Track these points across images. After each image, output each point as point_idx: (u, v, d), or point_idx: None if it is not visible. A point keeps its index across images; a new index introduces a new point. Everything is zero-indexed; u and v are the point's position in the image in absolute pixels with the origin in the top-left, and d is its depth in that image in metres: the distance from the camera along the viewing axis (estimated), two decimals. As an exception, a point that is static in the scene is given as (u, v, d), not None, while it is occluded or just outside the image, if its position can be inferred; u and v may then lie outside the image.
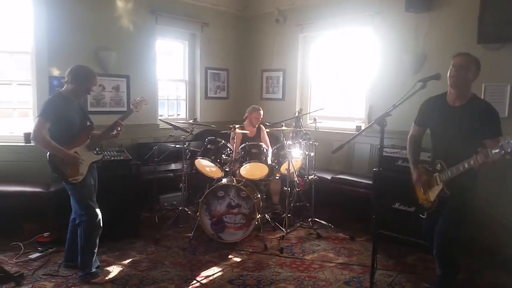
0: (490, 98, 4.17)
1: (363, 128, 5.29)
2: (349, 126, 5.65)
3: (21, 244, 3.92)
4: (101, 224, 3.32)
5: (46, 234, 4.06)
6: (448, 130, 2.74)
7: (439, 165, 2.76)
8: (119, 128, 3.39)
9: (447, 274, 2.85)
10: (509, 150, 2.18)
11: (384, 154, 4.08)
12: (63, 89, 3.26)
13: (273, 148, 4.77)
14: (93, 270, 3.33)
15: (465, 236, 3.27)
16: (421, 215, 3.04)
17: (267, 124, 5.30)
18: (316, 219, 4.66)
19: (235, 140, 4.42)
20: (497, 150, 2.25)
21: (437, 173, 2.78)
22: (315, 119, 4.96)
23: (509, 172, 3.89)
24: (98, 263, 3.47)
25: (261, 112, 5.11)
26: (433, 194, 2.85)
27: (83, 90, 3.27)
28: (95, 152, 3.35)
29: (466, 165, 2.48)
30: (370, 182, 4.58)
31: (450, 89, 2.76)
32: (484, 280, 3.41)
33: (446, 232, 2.76)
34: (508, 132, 2.31)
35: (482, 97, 4.20)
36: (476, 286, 3.30)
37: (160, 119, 5.65)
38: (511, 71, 4.10)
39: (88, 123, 3.37)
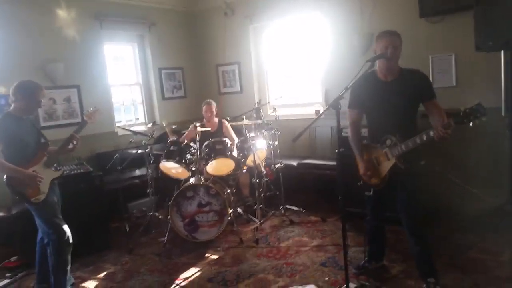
0: (437, 68, 4.38)
1: (322, 111, 5.38)
2: (309, 111, 5.74)
3: (-14, 273, 3.75)
4: (71, 240, 3.22)
5: (13, 258, 3.90)
6: (388, 105, 2.75)
7: (389, 140, 2.73)
8: (75, 142, 3.29)
9: (425, 246, 2.84)
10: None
11: (344, 135, 4.16)
12: (11, 108, 3.12)
13: (237, 142, 4.77)
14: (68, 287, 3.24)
15: (429, 203, 3.45)
16: (367, 193, 2.99)
17: (228, 118, 5.29)
18: (287, 206, 4.74)
19: (198, 136, 4.37)
20: (452, 123, 2.37)
21: (387, 148, 2.76)
22: (274, 109, 4.99)
23: (468, 138, 4.11)
24: (73, 281, 3.39)
25: (212, 105, 5.07)
26: (383, 170, 2.83)
27: (34, 105, 3.16)
28: (53, 169, 3.24)
29: (425, 137, 2.51)
30: (334, 163, 4.68)
31: (382, 66, 2.77)
32: (452, 243, 3.57)
33: (415, 206, 2.80)
34: (456, 101, 2.43)
35: (430, 68, 4.40)
36: (445, 249, 3.45)
37: (118, 126, 5.51)
38: (454, 41, 4.29)
39: (43, 140, 3.25)
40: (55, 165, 3.26)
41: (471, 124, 2.31)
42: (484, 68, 4.08)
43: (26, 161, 3.06)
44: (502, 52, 3.70)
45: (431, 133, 2.49)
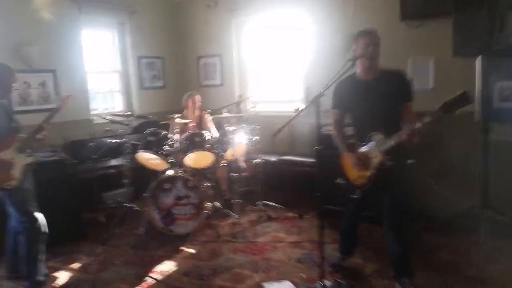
0: (416, 71, 4.47)
1: (302, 108, 5.41)
2: (290, 108, 5.74)
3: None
4: (46, 229, 3.15)
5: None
6: (369, 104, 2.79)
7: (375, 137, 2.75)
8: (44, 133, 3.19)
9: (406, 247, 2.86)
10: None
11: (324, 132, 4.22)
12: None
13: (218, 136, 4.74)
14: (42, 278, 3.16)
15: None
16: (353, 196, 3.00)
17: (209, 111, 5.24)
18: (265, 202, 4.76)
19: (175, 131, 4.33)
20: (419, 125, 2.44)
21: (373, 146, 2.77)
22: (254, 105, 4.99)
23: (441, 141, 4.24)
24: (46, 271, 3.29)
25: (197, 96, 4.97)
26: (369, 169, 2.81)
27: (5, 89, 3.08)
28: (27, 155, 3.13)
29: (402, 135, 2.55)
30: (314, 160, 4.73)
31: (362, 66, 2.80)
32: (425, 243, 3.67)
33: (400, 206, 2.82)
34: (433, 103, 2.49)
35: (409, 71, 4.49)
36: (417, 249, 3.51)
37: (94, 113, 5.38)
38: (432, 45, 4.39)
39: (14, 125, 3.14)
40: (28, 150, 3.16)
41: (457, 112, 2.33)
42: (460, 73, 4.20)
43: None
44: (477, 58, 3.83)
45: (402, 135, 2.54)
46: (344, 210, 3.23)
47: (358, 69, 2.86)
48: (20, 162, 3.05)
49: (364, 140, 2.85)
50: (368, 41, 2.73)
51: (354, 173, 2.97)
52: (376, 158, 2.77)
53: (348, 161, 2.98)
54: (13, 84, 3.12)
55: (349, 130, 3.12)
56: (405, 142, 2.54)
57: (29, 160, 3.16)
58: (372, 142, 2.79)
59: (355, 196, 3.00)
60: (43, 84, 4.94)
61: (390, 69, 2.87)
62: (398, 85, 2.77)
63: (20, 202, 3.05)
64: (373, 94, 2.78)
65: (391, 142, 2.64)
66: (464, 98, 2.28)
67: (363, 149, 2.85)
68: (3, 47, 4.52)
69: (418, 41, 4.47)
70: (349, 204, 3.16)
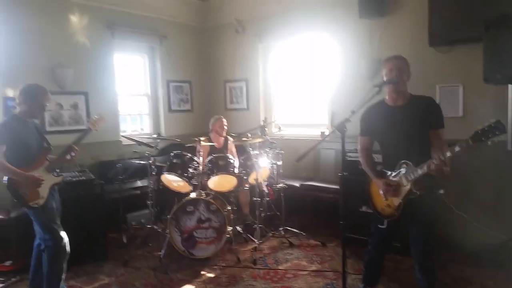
0: (444, 98, 4.37)
1: (327, 134, 5.38)
2: (315, 132, 5.73)
3: (-20, 277, 3.70)
4: (68, 248, 3.19)
5: (8, 262, 3.87)
6: (398, 130, 2.73)
7: (404, 165, 2.67)
8: (73, 154, 3.28)
9: (433, 279, 2.78)
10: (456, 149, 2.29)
11: (348, 158, 4.16)
12: (16, 111, 3.14)
13: (240, 159, 4.75)
14: (61, 297, 3.19)
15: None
16: (380, 226, 2.89)
17: (233, 135, 5.28)
18: (287, 228, 4.68)
19: (201, 153, 4.38)
20: (449, 154, 2.34)
21: (402, 174, 2.68)
22: (279, 128, 4.99)
23: (473, 170, 4.07)
24: (66, 289, 3.33)
25: (224, 120, 5.06)
26: (397, 199, 2.72)
27: (38, 108, 3.18)
28: (54, 174, 3.23)
29: (425, 168, 2.49)
30: (338, 187, 4.65)
31: (390, 92, 2.77)
32: (449, 274, 3.51)
33: (428, 238, 2.73)
34: (462, 132, 2.40)
35: (437, 98, 4.40)
36: (442, 282, 3.38)
37: (122, 135, 5.51)
38: (462, 72, 4.30)
39: (45, 145, 3.25)
40: (56, 170, 3.25)
41: (489, 143, 2.21)
42: (491, 101, 4.08)
43: (27, 164, 3.05)
44: (510, 85, 3.70)
45: (431, 166, 2.45)
46: (371, 239, 3.10)
47: (386, 95, 2.82)
48: (48, 181, 3.14)
49: (392, 168, 2.77)
50: (392, 66, 2.71)
51: (381, 202, 2.86)
52: (405, 187, 2.67)
53: (377, 188, 2.87)
54: (46, 104, 3.23)
55: (377, 158, 3.04)
56: (435, 172, 2.44)
57: (57, 180, 3.25)
58: (401, 170, 2.70)
59: (382, 226, 2.89)
60: (75, 106, 5.13)
61: (419, 95, 2.81)
62: (427, 111, 2.69)
63: (45, 220, 3.11)
64: (401, 120, 2.72)
65: (420, 171, 2.54)
66: (497, 128, 2.17)
67: (392, 177, 2.76)
68: (39, 68, 4.73)
69: (447, 67, 4.39)
70: (375, 234, 3.04)
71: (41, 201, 3.07)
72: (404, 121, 2.70)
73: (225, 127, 5.05)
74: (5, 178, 2.99)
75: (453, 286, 3.33)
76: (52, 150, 3.29)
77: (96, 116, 3.57)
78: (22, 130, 3.07)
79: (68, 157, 3.29)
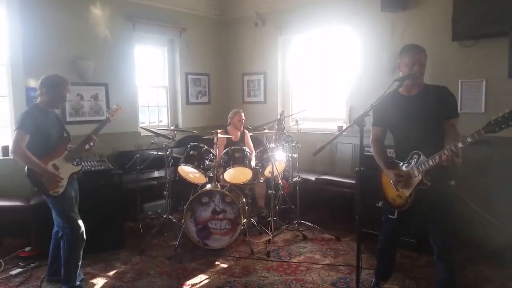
0: (467, 94, 4.27)
1: (344, 128, 5.33)
2: (331, 126, 5.69)
3: (1, 260, 3.81)
4: (85, 236, 3.26)
5: (27, 248, 3.97)
6: (411, 119, 2.68)
7: (415, 156, 2.63)
8: (91, 143, 3.34)
9: (455, 276, 2.71)
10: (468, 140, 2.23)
11: (366, 153, 4.10)
12: (38, 101, 3.21)
13: (256, 152, 4.76)
14: (77, 283, 3.25)
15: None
16: (390, 216, 2.88)
17: (250, 127, 5.29)
18: (302, 221, 4.67)
19: (217, 145, 4.40)
20: (461, 145, 2.28)
21: (413, 165, 2.64)
22: (297, 121, 4.97)
23: (491, 165, 3.96)
24: (82, 276, 3.41)
25: (242, 114, 5.08)
26: (408, 189, 2.68)
27: (59, 99, 3.23)
28: (74, 164, 3.29)
29: (437, 159, 2.43)
30: (354, 181, 4.61)
31: (407, 84, 2.69)
32: (469, 275, 3.44)
33: (449, 233, 2.67)
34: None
35: (459, 93, 4.30)
36: (461, 281, 3.31)
37: (141, 127, 5.59)
38: (485, 67, 4.18)
39: (65, 134, 3.32)
40: (76, 159, 3.32)
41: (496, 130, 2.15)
42: (515, 97, 3.96)
43: (47, 153, 3.12)
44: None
45: (441, 157, 2.39)
46: (381, 231, 3.08)
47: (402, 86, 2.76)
48: (67, 170, 3.21)
49: (404, 159, 2.73)
50: (414, 60, 2.64)
51: (392, 192, 2.84)
52: (416, 178, 2.63)
53: (387, 179, 2.85)
54: (67, 94, 3.28)
55: (389, 152, 2.99)
56: (446, 163, 2.39)
57: (76, 169, 3.31)
58: (412, 161, 2.66)
59: (392, 217, 2.86)
60: (95, 97, 5.22)
61: (434, 84, 2.76)
62: (441, 100, 2.64)
63: (63, 209, 3.18)
64: (415, 110, 2.67)
65: (431, 161, 2.49)
66: (510, 118, 2.09)
67: (403, 167, 2.72)
68: (61, 60, 4.83)
69: (470, 62, 4.28)
70: (386, 225, 3.02)
71: (60, 190, 3.13)
72: (418, 110, 2.65)
73: (243, 121, 5.07)
74: (26, 167, 3.07)
75: (473, 286, 3.26)
76: (72, 139, 3.35)
77: (114, 106, 3.62)
78: (43, 120, 3.12)
79: (87, 146, 3.34)
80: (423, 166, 2.56)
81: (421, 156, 2.58)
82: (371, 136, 2.96)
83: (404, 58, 2.69)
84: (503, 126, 2.10)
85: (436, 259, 2.73)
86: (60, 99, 3.25)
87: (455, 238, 2.71)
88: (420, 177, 2.59)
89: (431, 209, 2.67)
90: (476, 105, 4.23)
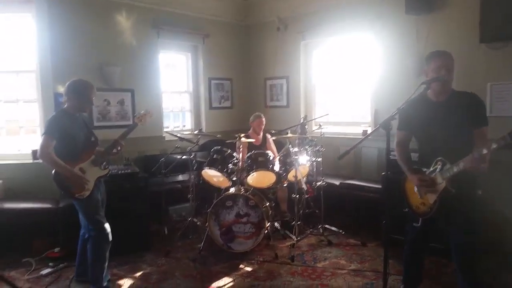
0: (496, 97, 4.16)
1: (369, 132, 5.27)
2: (356, 130, 5.64)
3: (32, 260, 3.93)
4: (111, 238, 3.31)
5: (56, 249, 4.08)
6: (438, 125, 2.64)
7: (439, 162, 2.57)
8: (119, 148, 3.39)
9: (476, 281, 2.62)
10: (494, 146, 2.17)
11: (392, 157, 4.03)
12: (65, 106, 3.28)
13: (279, 155, 4.76)
14: (105, 284, 3.32)
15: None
16: (414, 224, 2.83)
17: (273, 131, 5.29)
18: (326, 226, 4.63)
19: (241, 149, 4.42)
20: (485, 151, 2.23)
21: (438, 172, 2.59)
22: (320, 125, 4.95)
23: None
24: (109, 277, 3.47)
25: (263, 119, 5.09)
26: (432, 196, 2.64)
27: (86, 103, 3.28)
28: (101, 168, 3.36)
29: (465, 162, 2.37)
30: (379, 186, 4.55)
31: (436, 88, 2.65)
32: (498, 283, 3.35)
33: (469, 244, 2.59)
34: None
35: (489, 96, 4.20)
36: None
37: (165, 131, 5.67)
38: (516, 69, 4.08)
39: (93, 139, 3.38)
40: (104, 163, 3.38)
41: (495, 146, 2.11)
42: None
43: (74, 158, 3.18)
44: None
45: (464, 163, 2.35)
46: (405, 238, 3.02)
47: (429, 89, 2.72)
48: (93, 174, 3.27)
49: (428, 165, 2.67)
50: (441, 64, 2.60)
51: (416, 199, 2.79)
52: (440, 185, 2.57)
53: (411, 185, 2.80)
54: (93, 98, 3.33)
55: (413, 156, 2.93)
56: (471, 169, 2.33)
57: (102, 173, 3.37)
58: (436, 167, 2.60)
59: (416, 225, 2.81)
60: (121, 102, 5.34)
61: (463, 91, 2.69)
62: (471, 108, 2.57)
63: (89, 211, 3.24)
64: (443, 116, 2.62)
65: (456, 168, 2.44)
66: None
67: (428, 173, 2.67)
68: (88, 66, 4.96)
69: (499, 65, 4.17)
70: (411, 232, 2.96)
71: (86, 193, 3.19)
72: (444, 117, 2.60)
73: (263, 125, 5.08)
74: (53, 171, 3.15)
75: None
76: (99, 144, 3.42)
77: (142, 112, 3.67)
78: (70, 125, 3.18)
79: (115, 151, 3.40)
80: (447, 173, 2.51)
81: (446, 163, 2.53)
82: (395, 139, 2.92)
83: (430, 64, 2.66)
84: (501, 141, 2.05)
85: (457, 270, 2.66)
86: (87, 103, 3.30)
87: (476, 250, 2.61)
88: (445, 184, 2.54)
89: (454, 217, 2.61)
90: (506, 108, 4.11)
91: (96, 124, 5.01)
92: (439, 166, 2.58)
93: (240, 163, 4.33)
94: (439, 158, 2.58)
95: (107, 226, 3.30)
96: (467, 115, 2.55)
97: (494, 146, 2.21)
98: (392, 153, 3.76)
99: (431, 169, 2.64)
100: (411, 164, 2.83)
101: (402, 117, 2.84)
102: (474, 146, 2.49)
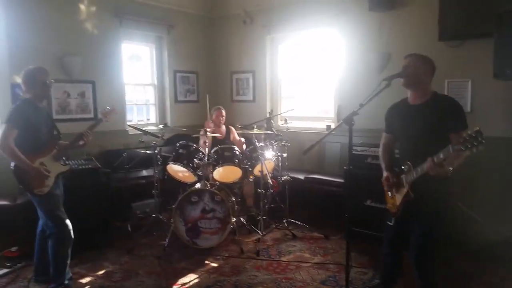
0: (453, 93, 4.32)
1: (333, 127, 5.36)
2: (320, 126, 5.72)
3: (-14, 261, 3.75)
4: (72, 234, 3.22)
5: (14, 248, 3.91)
6: (411, 129, 2.69)
7: (406, 166, 2.65)
8: (84, 140, 3.30)
9: (430, 283, 2.76)
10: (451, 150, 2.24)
11: (354, 152, 4.14)
12: (29, 96, 3.13)
13: (245, 150, 4.76)
14: (66, 282, 3.24)
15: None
16: (388, 222, 2.91)
17: (239, 126, 5.28)
18: (291, 220, 4.69)
19: (206, 144, 4.38)
20: (442, 156, 2.30)
21: (403, 175, 2.69)
22: (286, 120, 4.98)
23: (479, 165, 4.02)
24: (71, 275, 3.37)
25: (222, 111, 5.07)
26: (399, 198, 2.74)
27: (41, 87, 3.13)
28: (62, 163, 3.24)
29: (424, 167, 2.43)
30: (342, 180, 4.65)
31: (408, 90, 2.75)
32: (454, 271, 3.51)
33: (424, 244, 2.69)
34: (470, 127, 2.36)
35: (446, 93, 4.35)
36: (446, 277, 3.37)
37: (129, 125, 5.53)
38: (471, 67, 4.25)
39: (55, 132, 3.26)
40: (63, 159, 3.27)
41: (468, 153, 2.16)
42: (500, 97, 4.03)
43: (36, 151, 3.07)
44: (520, 81, 3.66)
45: (425, 166, 2.43)
46: (383, 237, 3.09)
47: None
48: (54, 170, 3.16)
49: (399, 167, 2.76)
50: (406, 62, 2.69)
51: (388, 199, 2.90)
52: (403, 189, 2.69)
53: (384, 175, 2.90)
54: (47, 81, 3.15)
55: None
56: (432, 173, 2.40)
57: (64, 169, 3.27)
58: (404, 170, 2.69)
59: (389, 223, 2.90)
60: (82, 95, 5.14)
61: (443, 95, 2.77)
62: (446, 113, 2.59)
63: (49, 207, 3.14)
64: (416, 119, 2.67)
65: (415, 173, 2.54)
66: (475, 138, 2.10)
67: (402, 176, 2.73)
68: (47, 56, 4.72)
69: (456, 62, 4.33)
70: (387, 230, 3.02)
71: (45, 189, 3.09)
72: (418, 120, 2.65)
73: (222, 118, 5.06)
74: (12, 163, 3.02)
75: (458, 282, 3.32)
76: (62, 138, 3.30)
77: (108, 108, 3.58)
78: (33, 115, 3.06)
79: (81, 142, 3.30)
80: (409, 177, 2.60)
81: (410, 166, 2.60)
82: (381, 141, 3.02)
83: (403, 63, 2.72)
84: (469, 146, 2.12)
85: (413, 264, 2.76)
86: (43, 87, 3.14)
87: (430, 253, 2.71)
88: (407, 188, 2.64)
89: (415, 223, 2.71)
90: (462, 104, 4.24)
91: (55, 116, 4.78)
92: (406, 169, 2.66)
93: (206, 158, 4.29)
94: (407, 162, 2.65)
95: (68, 222, 3.21)
96: (443, 119, 2.57)
97: (441, 156, 2.30)
98: (355, 147, 3.86)
99: (401, 170, 2.72)
100: (388, 162, 2.91)
101: (386, 121, 2.95)
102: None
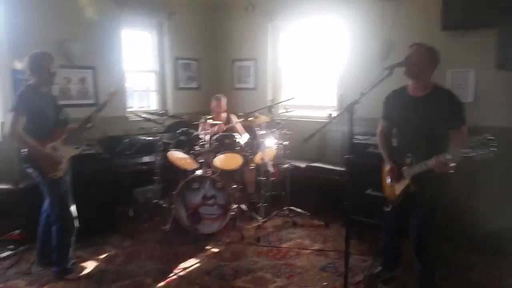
0: (455, 84, 4.32)
1: (334, 115, 5.35)
2: (321, 114, 5.71)
3: (-11, 244, 3.79)
4: (77, 222, 3.26)
5: (17, 232, 3.94)
6: (411, 121, 2.70)
7: (409, 159, 2.68)
8: (92, 123, 3.32)
9: (428, 268, 2.82)
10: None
11: (356, 141, 4.16)
12: (31, 82, 3.13)
13: (247, 138, 4.76)
14: (69, 266, 3.28)
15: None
16: (385, 208, 2.99)
17: (240, 114, 5.27)
18: (291, 207, 4.72)
19: (207, 131, 4.38)
20: (449, 157, 2.32)
21: (405, 167, 2.72)
22: (287, 109, 4.98)
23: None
24: (74, 260, 3.41)
25: (221, 102, 5.03)
26: (398, 188, 2.80)
27: (46, 74, 3.13)
28: (73, 147, 3.26)
29: (429, 163, 2.46)
30: (343, 169, 4.66)
31: (409, 80, 2.76)
32: (452, 261, 3.55)
33: (422, 232, 2.74)
34: (473, 117, 2.37)
35: (447, 83, 4.34)
36: (446, 267, 3.42)
37: (130, 111, 5.53)
38: (474, 57, 4.23)
39: (63, 116, 3.26)
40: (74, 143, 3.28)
41: (478, 159, 2.16)
42: (503, 87, 4.03)
43: (45, 136, 3.07)
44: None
45: (429, 163, 2.45)
46: (381, 223, 3.15)
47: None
48: (67, 154, 3.17)
49: (400, 158, 2.79)
50: (409, 54, 2.69)
51: (387, 187, 2.94)
52: (404, 181, 2.73)
53: (388, 166, 2.93)
54: (53, 68, 3.16)
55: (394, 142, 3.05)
56: (436, 170, 2.43)
57: (75, 152, 3.28)
58: (406, 162, 2.72)
59: (387, 209, 2.95)
60: (83, 80, 5.13)
61: (442, 88, 2.75)
62: (445, 108, 2.59)
63: (58, 193, 3.16)
64: (417, 111, 2.68)
65: (419, 168, 2.57)
66: (485, 145, 2.11)
67: (404, 168, 2.77)
68: (47, 42, 4.66)
69: (459, 52, 4.31)
70: (385, 217, 3.08)
71: (59, 174, 3.11)
72: (419, 112, 2.66)
73: (223, 107, 5.04)
74: (24, 150, 3.02)
75: (456, 273, 3.35)
76: (70, 122, 3.30)
77: (112, 89, 3.64)
78: (38, 101, 3.06)
79: (89, 125, 3.33)
80: (412, 171, 2.64)
81: (413, 160, 2.64)
82: (379, 127, 3.04)
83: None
84: (479, 152, 2.12)
85: (412, 251, 2.82)
86: (48, 73, 3.14)
87: (430, 241, 2.76)
88: (408, 181, 2.68)
89: (414, 212, 2.76)
90: (465, 94, 4.29)
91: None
92: (407, 162, 2.69)
93: (207, 145, 4.30)
94: (409, 155, 2.68)
95: (73, 209, 3.24)
96: (443, 115, 2.58)
97: (449, 159, 2.33)
98: (356, 136, 3.86)
99: (402, 162, 2.76)
100: (389, 152, 2.93)
101: (384, 108, 2.96)
102: (450, 143, 2.55)
